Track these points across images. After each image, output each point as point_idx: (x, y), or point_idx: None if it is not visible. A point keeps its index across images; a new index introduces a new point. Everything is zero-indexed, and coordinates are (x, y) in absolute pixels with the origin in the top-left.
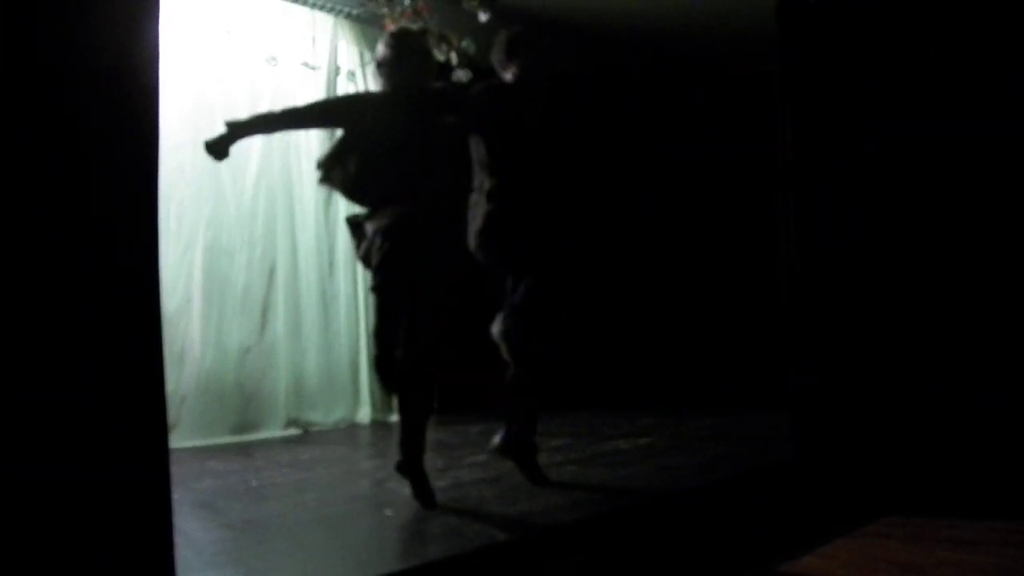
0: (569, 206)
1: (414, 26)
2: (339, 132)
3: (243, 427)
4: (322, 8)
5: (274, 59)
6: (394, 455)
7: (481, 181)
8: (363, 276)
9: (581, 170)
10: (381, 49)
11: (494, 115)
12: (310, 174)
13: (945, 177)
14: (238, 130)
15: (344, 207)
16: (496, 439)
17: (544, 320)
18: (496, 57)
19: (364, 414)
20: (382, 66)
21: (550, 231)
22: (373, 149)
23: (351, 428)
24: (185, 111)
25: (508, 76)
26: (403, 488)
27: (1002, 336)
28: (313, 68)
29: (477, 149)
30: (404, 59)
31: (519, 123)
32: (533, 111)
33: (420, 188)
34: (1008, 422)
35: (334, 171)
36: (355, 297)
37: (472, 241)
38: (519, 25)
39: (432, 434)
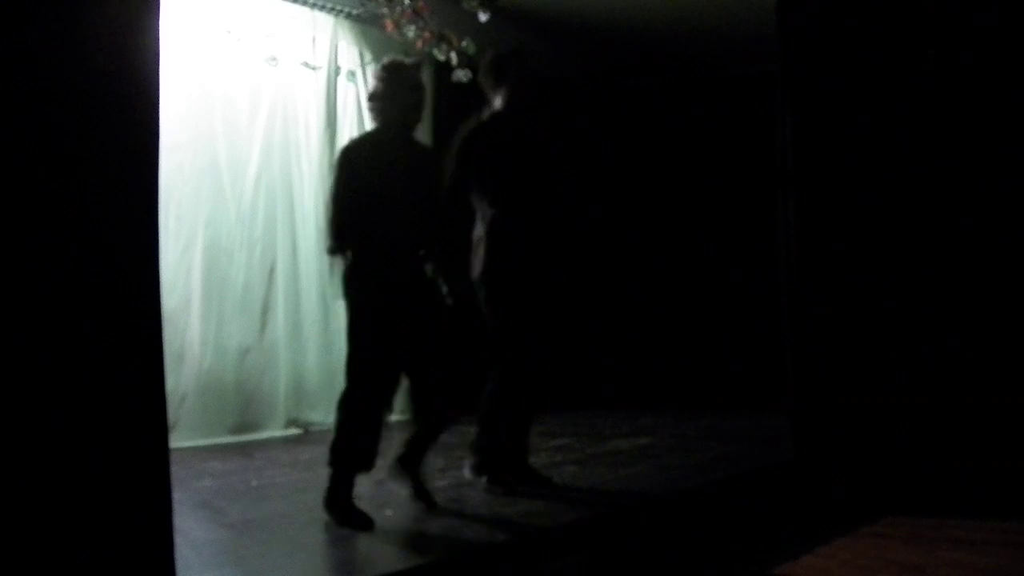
0: (570, 217)
1: (411, 31)
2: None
3: (243, 427)
4: (322, 8)
5: (274, 59)
6: (392, 454)
7: (483, 212)
8: None
9: (579, 183)
10: (373, 82)
11: (481, 156)
12: (310, 174)
13: (945, 176)
14: (337, 248)
15: None
16: (466, 470)
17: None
18: (485, 80)
19: None
20: (373, 99)
21: (552, 261)
22: (363, 188)
23: None
24: (185, 111)
25: (498, 101)
26: (403, 488)
27: (1002, 334)
28: (313, 68)
29: (475, 185)
30: (396, 92)
31: (511, 152)
32: (527, 134)
33: (410, 223)
34: (1008, 422)
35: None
36: None
37: (475, 271)
38: (507, 45)
39: None
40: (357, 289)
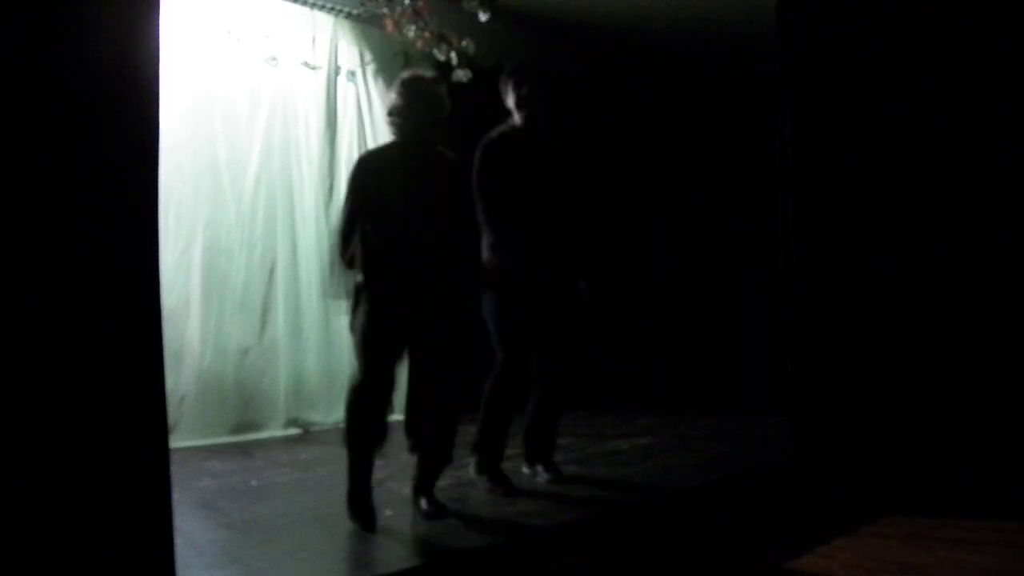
0: (579, 224)
1: (411, 31)
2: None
3: (243, 427)
4: (322, 8)
5: (274, 59)
6: (393, 454)
7: (491, 227)
8: None
9: (586, 190)
10: (393, 97)
11: (500, 168)
12: (310, 174)
13: (946, 176)
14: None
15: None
16: (470, 468)
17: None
18: (502, 91)
19: None
20: (392, 114)
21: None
22: (375, 205)
23: None
24: (185, 111)
25: (518, 119)
26: (403, 488)
27: (1003, 333)
28: (313, 68)
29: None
30: (414, 107)
31: (526, 166)
32: (542, 149)
33: (430, 239)
34: (1008, 422)
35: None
36: None
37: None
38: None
39: None
40: (368, 303)
